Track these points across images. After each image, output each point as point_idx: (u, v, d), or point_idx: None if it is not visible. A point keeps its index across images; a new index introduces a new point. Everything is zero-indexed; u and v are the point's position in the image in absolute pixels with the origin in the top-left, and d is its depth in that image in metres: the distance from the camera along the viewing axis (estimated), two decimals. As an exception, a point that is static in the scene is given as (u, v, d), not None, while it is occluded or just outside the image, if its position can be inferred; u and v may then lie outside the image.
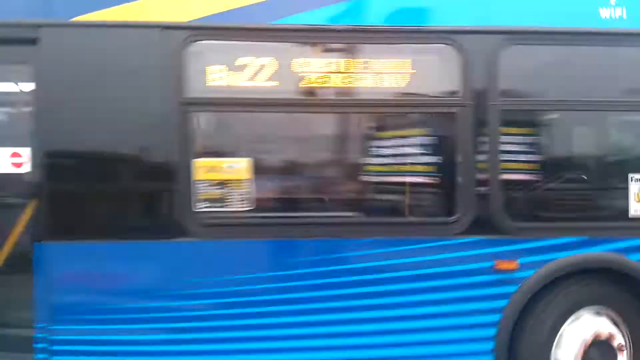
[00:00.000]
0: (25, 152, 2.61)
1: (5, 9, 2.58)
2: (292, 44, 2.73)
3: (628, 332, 2.82)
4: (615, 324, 2.81)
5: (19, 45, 2.59)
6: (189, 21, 2.62)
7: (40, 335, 2.56)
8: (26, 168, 2.62)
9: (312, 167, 3.04)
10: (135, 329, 2.56)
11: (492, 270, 2.71)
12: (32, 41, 2.56)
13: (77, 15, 2.59)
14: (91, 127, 2.60)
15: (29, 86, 2.65)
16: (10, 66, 2.70)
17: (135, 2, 2.60)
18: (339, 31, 2.71)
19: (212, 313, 2.59)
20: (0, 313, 2.70)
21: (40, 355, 2.56)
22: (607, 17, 2.77)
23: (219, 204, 2.64)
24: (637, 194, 2.84)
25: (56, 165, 2.56)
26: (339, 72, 2.69)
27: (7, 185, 2.71)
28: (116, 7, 2.60)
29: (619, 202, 2.87)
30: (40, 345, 2.56)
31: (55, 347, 2.55)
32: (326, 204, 2.91)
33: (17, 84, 2.89)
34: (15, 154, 2.63)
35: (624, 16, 2.77)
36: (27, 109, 2.64)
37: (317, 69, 2.69)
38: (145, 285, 2.60)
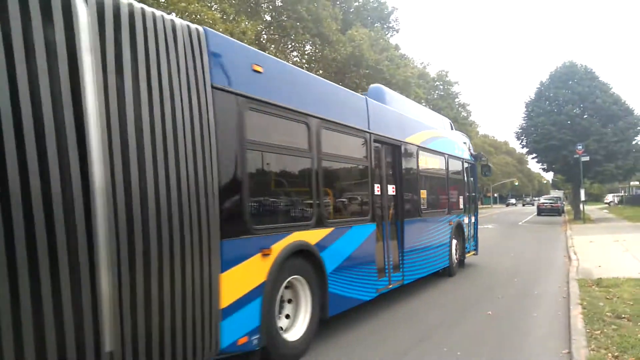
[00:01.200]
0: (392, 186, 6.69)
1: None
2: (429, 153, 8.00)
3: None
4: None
5: (390, 146, 6.67)
6: (419, 143, 7.48)
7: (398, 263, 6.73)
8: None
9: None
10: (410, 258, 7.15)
11: (449, 225, 8.88)
12: (397, 147, 6.72)
13: (405, 137, 6.95)
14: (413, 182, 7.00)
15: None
16: (384, 154, 6.61)
17: (412, 136, 7.23)
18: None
19: (415, 248, 7.43)
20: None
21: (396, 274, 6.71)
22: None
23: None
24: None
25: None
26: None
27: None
28: (416, 134, 7.19)
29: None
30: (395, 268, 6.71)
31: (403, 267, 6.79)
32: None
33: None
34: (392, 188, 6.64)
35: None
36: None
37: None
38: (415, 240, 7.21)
